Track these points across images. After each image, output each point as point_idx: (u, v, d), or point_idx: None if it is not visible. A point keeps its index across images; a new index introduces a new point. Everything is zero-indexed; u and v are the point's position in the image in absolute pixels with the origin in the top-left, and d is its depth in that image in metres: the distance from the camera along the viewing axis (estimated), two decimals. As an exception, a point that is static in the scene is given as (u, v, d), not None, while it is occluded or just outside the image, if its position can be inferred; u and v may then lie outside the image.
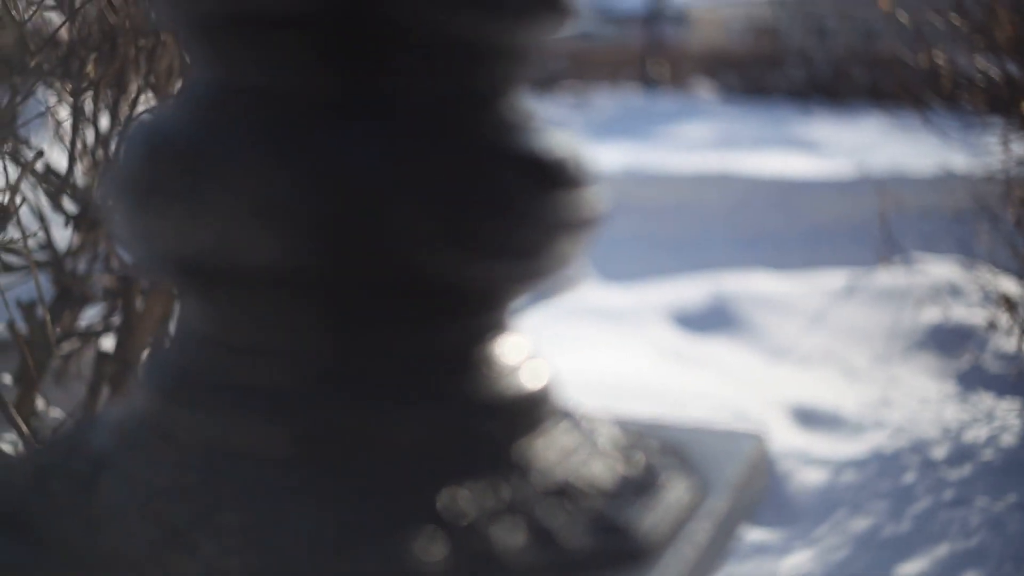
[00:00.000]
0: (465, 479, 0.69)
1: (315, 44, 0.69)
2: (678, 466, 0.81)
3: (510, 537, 0.67)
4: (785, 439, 3.22)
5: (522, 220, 0.70)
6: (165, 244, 0.71)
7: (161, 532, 0.68)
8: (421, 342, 0.72)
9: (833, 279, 5.31)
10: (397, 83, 0.69)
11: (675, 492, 0.76)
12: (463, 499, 0.67)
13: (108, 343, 2.84)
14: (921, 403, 3.67)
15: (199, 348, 0.74)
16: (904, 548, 2.68)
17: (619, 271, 5.73)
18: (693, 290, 5.04)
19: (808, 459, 3.11)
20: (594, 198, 0.75)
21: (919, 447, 3.24)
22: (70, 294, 2.78)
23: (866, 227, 5.71)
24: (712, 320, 4.62)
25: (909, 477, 3.04)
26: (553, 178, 0.72)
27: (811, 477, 3.00)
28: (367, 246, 0.67)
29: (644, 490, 0.75)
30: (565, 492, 0.72)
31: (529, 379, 0.76)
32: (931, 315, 4.61)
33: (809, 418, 3.47)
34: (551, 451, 0.74)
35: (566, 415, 0.79)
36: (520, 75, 0.76)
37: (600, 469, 0.75)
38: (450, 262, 0.69)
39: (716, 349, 4.26)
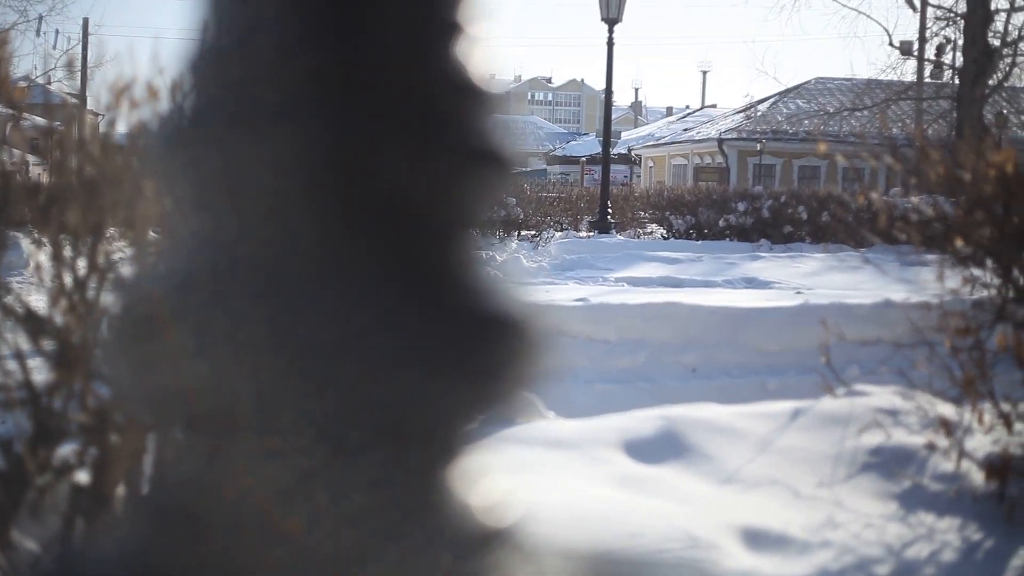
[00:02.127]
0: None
1: (291, 218, 0.74)
2: None
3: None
4: (735, 560, 3.24)
5: (476, 357, 0.74)
6: (155, 389, 0.75)
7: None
8: (389, 480, 0.75)
9: (779, 406, 5.35)
10: (361, 245, 0.74)
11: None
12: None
13: (83, 477, 2.85)
14: (865, 523, 3.70)
15: (179, 488, 0.77)
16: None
17: (573, 402, 5.76)
18: (644, 420, 5.07)
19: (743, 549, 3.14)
20: (541, 334, 0.80)
21: (864, 565, 3.27)
22: (46, 430, 2.79)
23: (809, 355, 5.77)
24: (663, 448, 4.65)
25: (855, 595, 3.07)
26: (504, 321, 0.77)
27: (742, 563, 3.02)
28: (338, 390, 0.71)
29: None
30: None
31: (490, 513, 0.78)
32: (873, 439, 4.65)
33: (758, 539, 3.49)
34: None
35: (525, 548, 0.82)
36: (472, 221, 0.81)
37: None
38: (416, 399, 0.73)
39: (667, 475, 4.29)
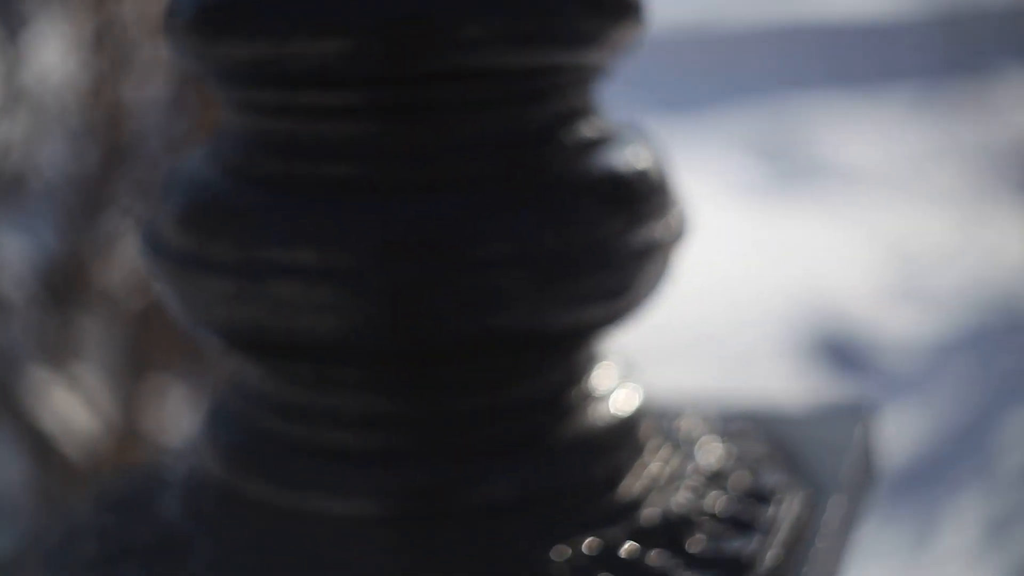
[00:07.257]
0: (569, 527, 0.67)
1: (377, 103, 0.66)
2: (788, 469, 0.79)
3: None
4: (870, 294, 3.19)
5: (610, 259, 0.67)
6: (223, 314, 0.68)
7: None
8: (509, 392, 0.69)
9: (903, 103, 5.23)
10: (465, 127, 0.66)
11: (789, 506, 0.74)
12: (568, 552, 0.66)
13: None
14: (1008, 227, 3.59)
15: (267, 410, 0.72)
16: (994, 400, 2.68)
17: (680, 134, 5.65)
18: (756, 119, 4.98)
19: (892, 306, 3.09)
20: (682, 217, 0.72)
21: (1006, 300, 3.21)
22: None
23: (931, 48, 5.53)
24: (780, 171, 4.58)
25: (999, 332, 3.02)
26: (639, 208, 0.69)
27: (897, 328, 2.98)
28: (449, 307, 0.64)
29: (757, 510, 0.73)
30: (675, 526, 0.70)
31: (624, 409, 0.72)
32: (1011, 132, 4.49)
33: (895, 267, 3.42)
34: (655, 483, 0.72)
35: (664, 434, 0.77)
36: (595, 93, 0.74)
37: (708, 492, 0.73)
38: (537, 311, 0.66)
39: (799, 198, 4.20)
